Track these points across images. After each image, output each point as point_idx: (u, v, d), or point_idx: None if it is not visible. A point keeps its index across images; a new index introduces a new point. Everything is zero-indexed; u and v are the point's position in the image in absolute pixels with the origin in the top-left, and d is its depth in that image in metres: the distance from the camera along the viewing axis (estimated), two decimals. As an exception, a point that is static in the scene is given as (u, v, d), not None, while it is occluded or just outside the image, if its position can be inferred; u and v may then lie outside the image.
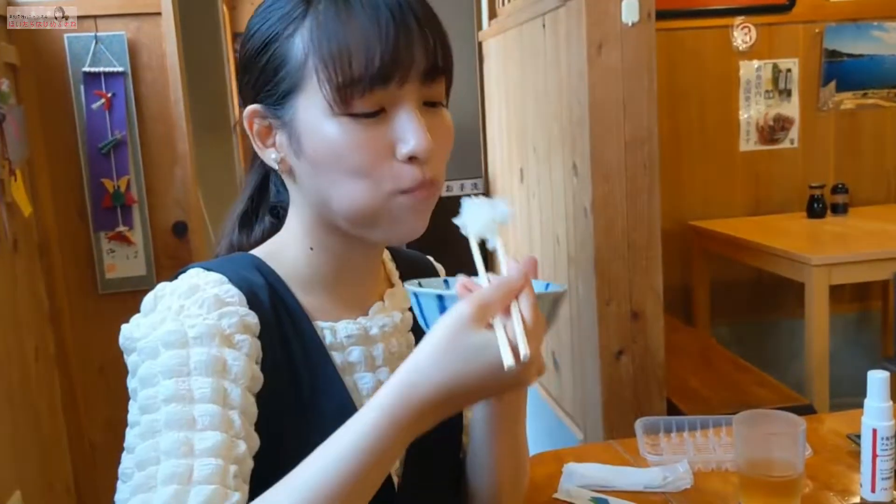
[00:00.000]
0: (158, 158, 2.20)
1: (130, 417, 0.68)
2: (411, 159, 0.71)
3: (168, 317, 0.70)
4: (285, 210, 0.83)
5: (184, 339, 0.68)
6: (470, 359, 0.60)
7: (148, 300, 0.73)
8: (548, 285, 0.74)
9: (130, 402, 0.69)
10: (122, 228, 2.18)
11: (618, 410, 2.15)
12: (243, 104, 0.79)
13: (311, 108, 0.72)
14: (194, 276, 0.74)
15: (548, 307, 0.67)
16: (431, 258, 1.00)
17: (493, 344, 0.60)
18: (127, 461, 0.67)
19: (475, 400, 0.65)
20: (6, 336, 1.84)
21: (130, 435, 0.67)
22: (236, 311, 0.71)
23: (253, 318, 0.73)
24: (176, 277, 0.75)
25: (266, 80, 0.75)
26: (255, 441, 0.68)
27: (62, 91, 2.12)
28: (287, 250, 0.81)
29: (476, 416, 0.89)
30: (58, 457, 2.13)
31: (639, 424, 1.31)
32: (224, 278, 0.74)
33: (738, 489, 1.07)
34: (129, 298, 2.17)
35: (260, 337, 0.73)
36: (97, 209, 2.16)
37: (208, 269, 0.75)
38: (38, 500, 1.94)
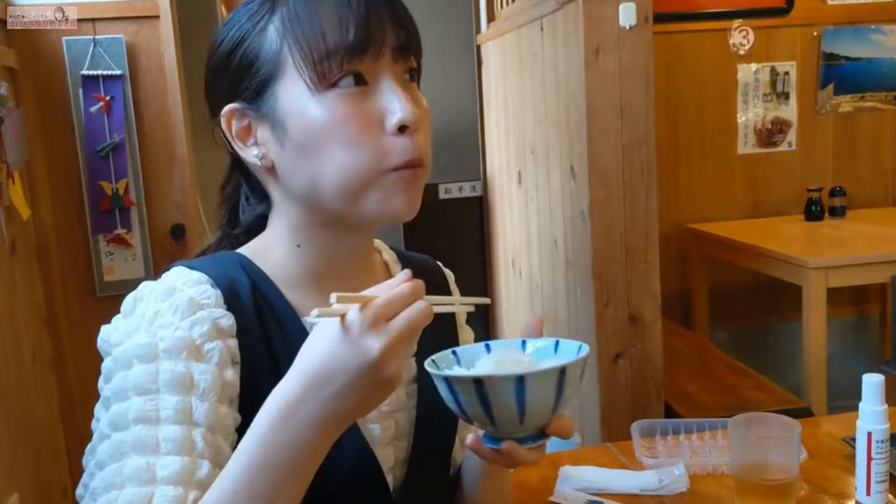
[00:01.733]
0: (157, 161, 2.20)
1: (100, 423, 0.71)
2: (401, 129, 0.73)
3: (142, 325, 0.72)
4: (264, 221, 0.84)
5: (154, 353, 0.71)
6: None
7: (128, 301, 0.76)
8: (557, 343, 0.76)
9: (99, 405, 0.73)
10: (120, 231, 2.18)
11: (615, 414, 2.15)
12: (215, 113, 0.80)
13: (292, 93, 0.74)
14: (174, 276, 0.76)
15: (577, 373, 0.69)
16: (440, 263, 1.00)
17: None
18: (93, 467, 0.70)
19: (361, 408, 0.65)
20: (4, 339, 1.85)
21: (101, 445, 0.70)
22: (209, 316, 0.73)
23: (228, 321, 0.74)
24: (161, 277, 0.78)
25: (240, 78, 0.77)
26: (229, 452, 0.70)
27: (61, 94, 2.12)
28: (274, 249, 0.82)
29: (467, 464, 0.95)
30: (55, 460, 2.13)
31: (635, 427, 1.31)
32: (204, 277, 0.75)
33: (733, 492, 1.07)
34: (127, 301, 2.16)
35: (238, 337, 0.74)
36: (95, 212, 2.16)
37: (191, 268, 0.77)
38: (36, 503, 1.94)
